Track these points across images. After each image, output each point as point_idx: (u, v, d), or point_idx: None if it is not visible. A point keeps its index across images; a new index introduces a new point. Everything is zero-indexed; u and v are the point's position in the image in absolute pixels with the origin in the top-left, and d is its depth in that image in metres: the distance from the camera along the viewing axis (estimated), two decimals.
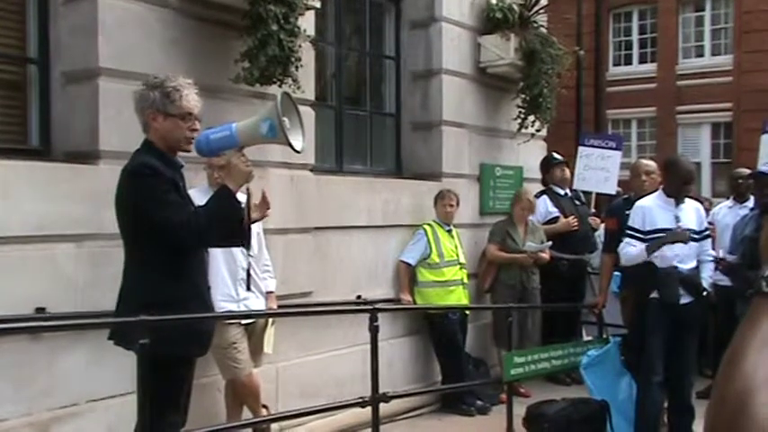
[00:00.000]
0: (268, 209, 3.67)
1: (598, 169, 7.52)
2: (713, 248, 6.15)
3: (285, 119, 3.11)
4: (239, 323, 4.42)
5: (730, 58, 16.16)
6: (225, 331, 4.29)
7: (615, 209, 6.34)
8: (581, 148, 7.72)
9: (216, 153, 3.32)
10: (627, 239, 5.08)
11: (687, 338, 4.98)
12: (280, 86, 4.54)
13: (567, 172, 7.48)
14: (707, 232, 5.22)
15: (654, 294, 4.91)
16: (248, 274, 4.44)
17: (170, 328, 3.11)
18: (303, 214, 5.26)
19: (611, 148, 7.61)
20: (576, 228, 7.11)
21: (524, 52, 6.86)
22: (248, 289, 4.45)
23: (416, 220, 6.28)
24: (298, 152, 3.29)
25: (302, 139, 3.27)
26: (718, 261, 5.56)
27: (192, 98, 3.18)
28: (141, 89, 3.19)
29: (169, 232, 3.04)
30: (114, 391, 3.94)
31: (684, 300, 4.92)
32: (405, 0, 6.69)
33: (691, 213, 5.04)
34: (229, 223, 3.18)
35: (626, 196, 6.40)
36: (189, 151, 3.25)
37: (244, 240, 3.41)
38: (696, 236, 5.00)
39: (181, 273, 3.17)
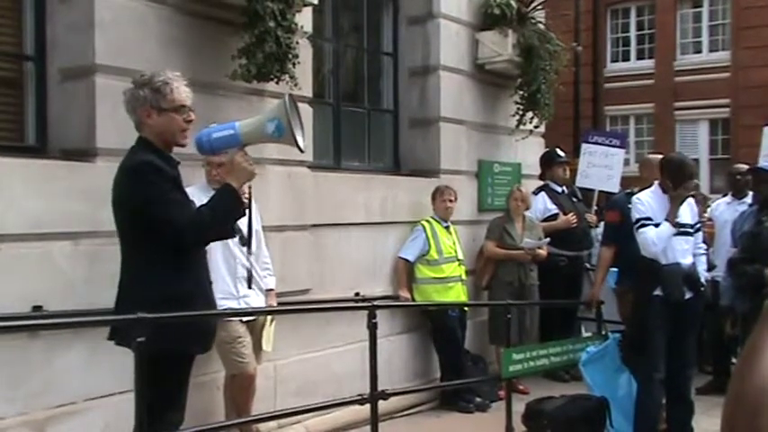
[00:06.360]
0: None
1: (601, 167, 7.48)
2: (711, 245, 6.15)
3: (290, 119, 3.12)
4: (240, 320, 4.42)
5: (728, 54, 16.13)
6: (230, 326, 4.29)
7: (617, 202, 6.29)
8: (584, 146, 7.68)
9: (217, 151, 3.33)
10: (642, 230, 4.85)
11: (688, 334, 4.97)
12: (277, 83, 4.53)
13: (568, 171, 7.47)
14: (698, 225, 5.20)
15: (657, 291, 4.88)
16: (249, 272, 4.43)
17: (173, 325, 3.09)
18: (301, 211, 5.25)
19: (614, 146, 7.57)
20: (575, 225, 7.10)
21: (522, 48, 6.85)
22: (249, 287, 4.43)
23: (415, 216, 6.26)
24: (302, 151, 3.33)
25: (303, 139, 3.29)
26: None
27: (182, 90, 3.16)
28: (131, 89, 3.18)
29: (173, 231, 3.04)
30: (112, 389, 3.91)
31: (686, 296, 4.90)
32: None
33: (684, 207, 5.02)
34: (231, 221, 3.28)
35: (628, 191, 6.37)
36: (185, 146, 3.23)
37: (233, 234, 3.60)
38: (690, 230, 5.00)
39: (185, 270, 3.16)
